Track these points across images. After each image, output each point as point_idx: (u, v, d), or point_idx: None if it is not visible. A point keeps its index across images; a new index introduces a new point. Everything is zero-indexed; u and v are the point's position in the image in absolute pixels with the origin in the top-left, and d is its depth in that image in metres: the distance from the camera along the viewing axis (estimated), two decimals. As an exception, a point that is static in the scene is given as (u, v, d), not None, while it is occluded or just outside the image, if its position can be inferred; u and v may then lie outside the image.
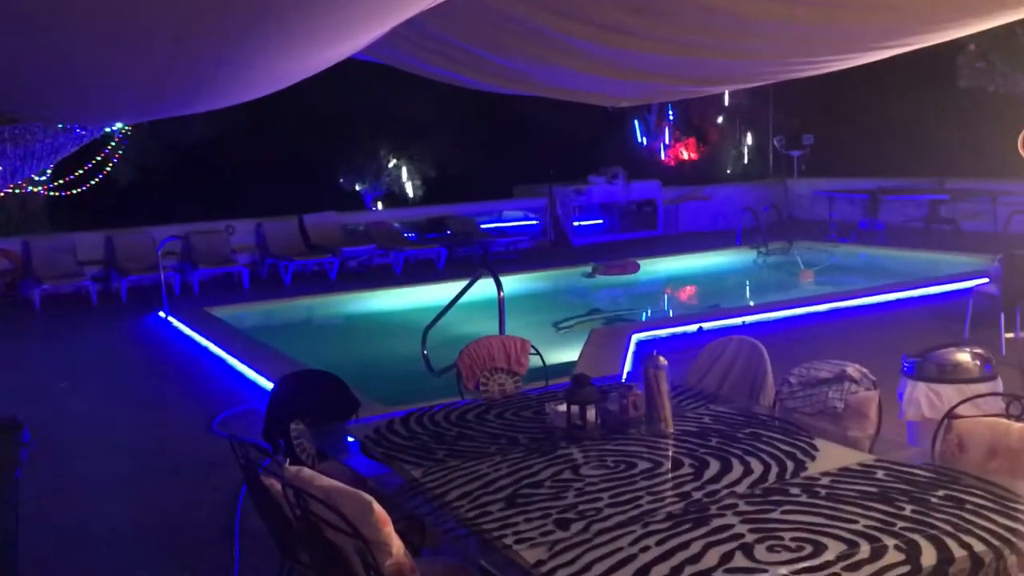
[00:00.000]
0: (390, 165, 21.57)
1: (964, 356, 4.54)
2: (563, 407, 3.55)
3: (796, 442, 3.26)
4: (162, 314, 11.76)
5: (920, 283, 11.30)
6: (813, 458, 3.10)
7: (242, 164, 20.21)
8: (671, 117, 21.49)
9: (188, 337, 10.53)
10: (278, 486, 2.98)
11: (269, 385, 8.02)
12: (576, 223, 18.17)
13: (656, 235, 18.46)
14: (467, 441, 3.46)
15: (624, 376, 7.69)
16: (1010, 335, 8.09)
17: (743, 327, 9.85)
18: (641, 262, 14.64)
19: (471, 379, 4.65)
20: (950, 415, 3.35)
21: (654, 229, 18.53)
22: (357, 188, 21.76)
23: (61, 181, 18.19)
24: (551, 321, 11.65)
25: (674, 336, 9.59)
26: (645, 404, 3.46)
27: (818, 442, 3.26)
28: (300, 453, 3.98)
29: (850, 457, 3.11)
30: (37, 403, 7.93)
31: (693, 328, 9.79)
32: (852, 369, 3.80)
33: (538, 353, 4.98)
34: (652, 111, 21.10)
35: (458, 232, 16.45)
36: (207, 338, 10.08)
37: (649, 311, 12.68)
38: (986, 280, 8.87)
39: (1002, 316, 8.10)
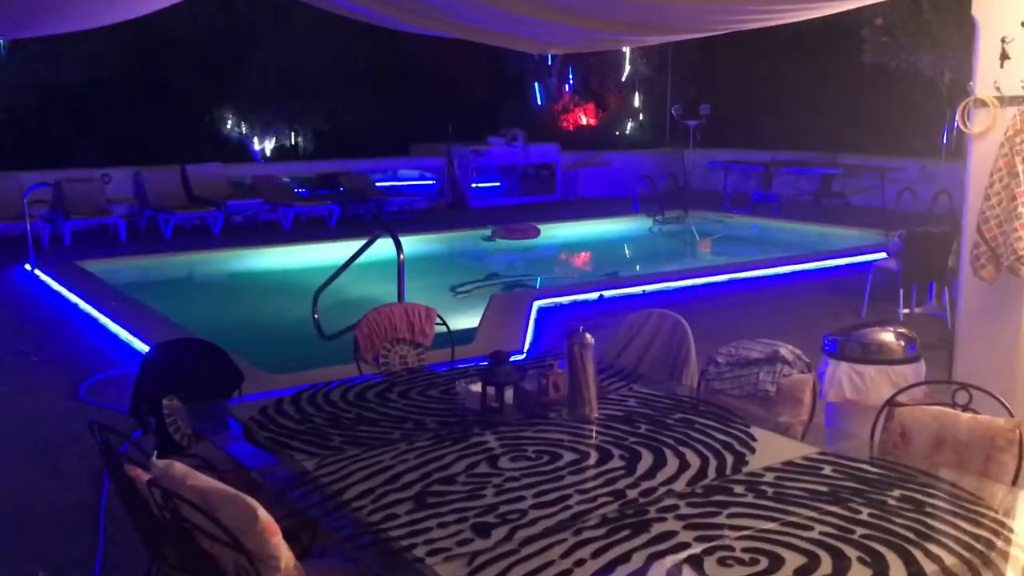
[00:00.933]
0: (279, 115, 20.61)
1: (888, 336, 4.38)
2: (477, 387, 3.19)
3: (731, 431, 2.99)
4: (28, 267, 10.85)
5: (821, 256, 11.39)
6: (753, 450, 2.83)
7: (120, 107, 18.93)
8: (571, 81, 21.22)
9: (57, 293, 9.72)
10: (144, 478, 2.53)
11: (144, 348, 7.41)
12: (474, 185, 17.76)
13: (554, 200, 18.23)
14: (368, 425, 3.06)
15: (526, 345, 7.40)
16: (906, 311, 8.17)
17: (643, 296, 9.70)
18: (540, 227, 14.37)
19: (370, 350, 4.24)
20: (890, 402, 3.14)
21: (552, 194, 18.29)
22: (244, 138, 20.77)
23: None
24: (448, 285, 11.26)
25: (575, 304, 9.34)
26: (568, 385, 3.13)
27: (754, 430, 3.00)
28: (174, 434, 3.51)
29: (792, 450, 2.85)
30: None
31: (594, 296, 9.57)
32: (785, 350, 3.56)
33: (444, 323, 4.60)
34: (553, 74, 20.77)
35: (352, 189, 15.82)
36: (77, 295, 9.31)
37: (548, 277, 12.44)
38: (884, 255, 8.92)
39: (900, 292, 8.15)
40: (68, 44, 17.22)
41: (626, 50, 20.26)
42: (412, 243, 13.63)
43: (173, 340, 3.94)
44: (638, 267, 13.25)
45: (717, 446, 2.85)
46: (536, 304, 8.90)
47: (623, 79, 21.03)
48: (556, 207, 17.40)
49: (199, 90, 19.36)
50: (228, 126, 20.58)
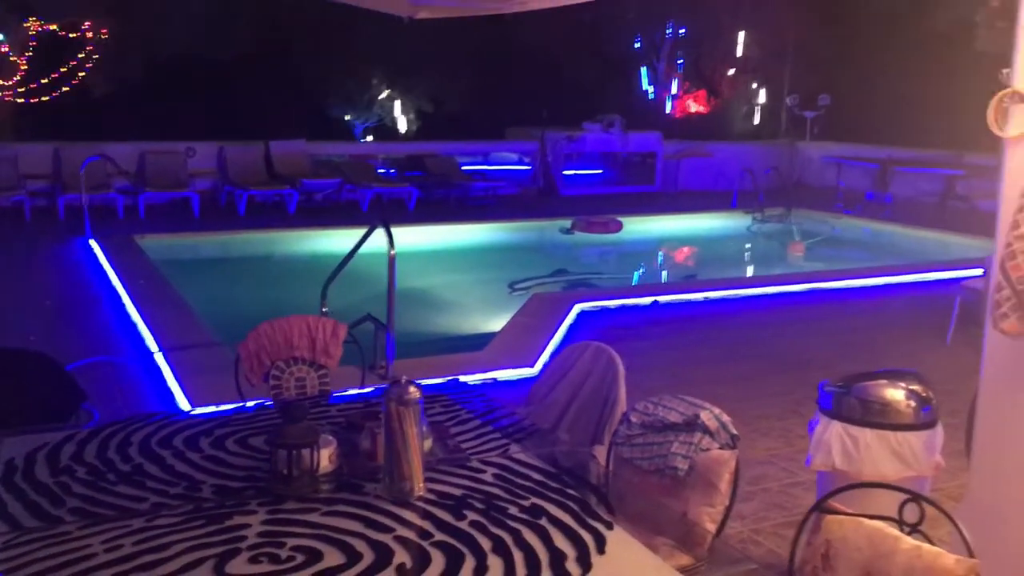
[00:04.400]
0: (382, 97, 20.35)
1: (897, 393, 3.45)
2: (328, 450, 2.51)
3: (582, 532, 2.22)
4: (92, 243, 10.82)
5: (902, 269, 10.10)
6: (588, 566, 2.06)
7: (228, 84, 19.10)
8: (680, 67, 20.06)
9: (100, 267, 9.60)
10: None
11: (149, 335, 7.09)
12: (567, 172, 16.99)
13: (652, 190, 17.25)
14: (129, 486, 2.43)
15: (541, 360, 6.64)
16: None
17: (704, 304, 8.78)
18: (629, 220, 13.49)
19: (256, 369, 3.62)
20: (820, 506, 2.29)
21: (651, 184, 17.32)
22: (347, 118, 20.65)
23: (28, 87, 17.25)
24: (509, 280, 10.59)
25: (624, 309, 8.52)
26: (384, 454, 2.42)
27: (616, 535, 2.22)
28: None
29: (652, 570, 2.07)
30: None
31: (647, 301, 8.71)
32: (708, 415, 2.73)
33: (355, 342, 3.95)
34: (661, 59, 19.68)
35: (435, 172, 15.33)
36: (115, 270, 9.14)
37: (617, 276, 11.61)
38: (980, 272, 7.68)
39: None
40: (175, 20, 17.43)
41: (741, 35, 18.99)
42: (482, 232, 13.14)
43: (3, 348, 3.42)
44: (726, 270, 12.21)
45: (543, 554, 2.09)
46: (578, 308, 8.12)
47: (737, 66, 19.73)
48: (653, 199, 16.44)
49: (304, 67, 19.33)
50: (332, 105, 20.48)
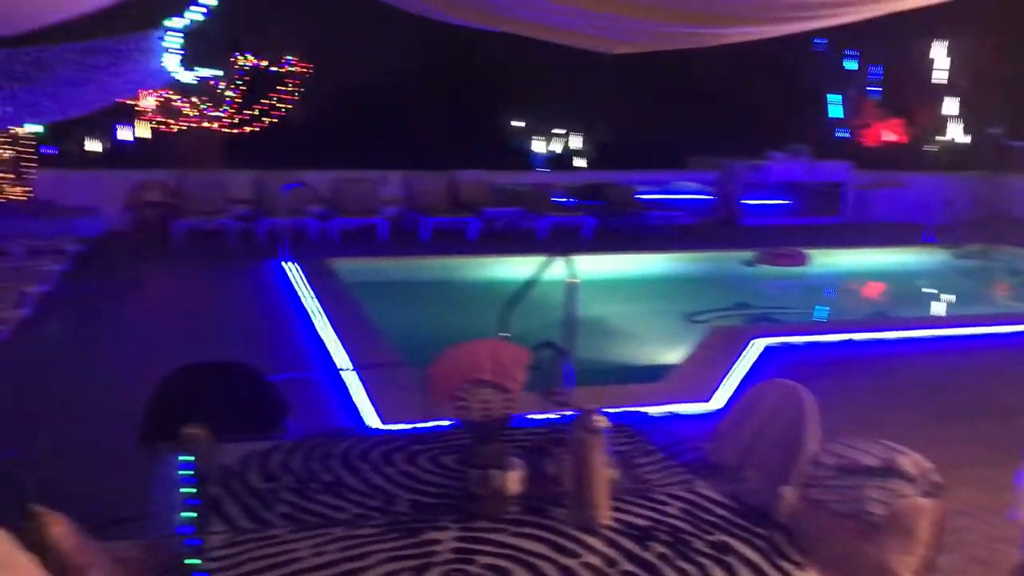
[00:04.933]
0: (562, 127, 20.66)
1: (1121, 448, 3.17)
2: (515, 474, 2.58)
3: (770, 573, 2.17)
4: (288, 264, 11.49)
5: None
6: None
7: (418, 115, 19.96)
8: (874, 95, 19.25)
9: (292, 287, 10.18)
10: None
11: (341, 353, 7.45)
12: (748, 201, 16.62)
13: (838, 222, 16.59)
14: (332, 497, 2.58)
15: (718, 394, 6.50)
16: None
17: (896, 343, 8.35)
18: (815, 253, 13.04)
19: (444, 392, 3.73)
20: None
21: (835, 215, 16.66)
22: (529, 148, 21.09)
23: (236, 119, 18.60)
24: (687, 312, 10.43)
25: (810, 345, 8.21)
26: (571, 480, 2.45)
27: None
28: (196, 463, 3.24)
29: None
30: (78, 341, 7.79)
31: (833, 338, 8.36)
32: (908, 460, 2.60)
33: (538, 368, 4.01)
34: (854, 86, 18.97)
35: (613, 201, 15.37)
36: (312, 290, 9.68)
37: (801, 311, 11.20)
38: None
39: None
40: (369, 55, 18.39)
41: (942, 61, 18.03)
42: (660, 262, 13.03)
43: (209, 361, 3.69)
44: (917, 308, 11.56)
45: (731, 598, 2.06)
46: (759, 343, 7.90)
47: (936, 94, 18.75)
48: (838, 231, 15.81)
49: (489, 99, 19.92)
50: (513, 135, 20.97)
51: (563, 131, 20.84)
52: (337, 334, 7.84)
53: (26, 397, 6.19)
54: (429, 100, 19.59)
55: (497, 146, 20.51)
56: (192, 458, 3.01)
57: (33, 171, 13.50)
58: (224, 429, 3.18)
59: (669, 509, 2.55)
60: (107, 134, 19.34)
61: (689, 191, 16.77)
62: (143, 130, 19.52)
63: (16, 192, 13.15)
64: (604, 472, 2.41)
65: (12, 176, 13.13)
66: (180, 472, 2.90)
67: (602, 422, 2.39)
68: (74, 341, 7.91)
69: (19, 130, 12.21)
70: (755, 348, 7.74)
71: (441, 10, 3.86)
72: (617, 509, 2.49)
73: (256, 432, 3.35)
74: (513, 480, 2.54)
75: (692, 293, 11.64)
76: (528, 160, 20.54)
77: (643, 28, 3.52)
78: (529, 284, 7.37)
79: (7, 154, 13.10)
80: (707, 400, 6.25)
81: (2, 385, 6.37)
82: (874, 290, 13.03)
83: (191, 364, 3.50)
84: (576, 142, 20.89)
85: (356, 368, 6.87)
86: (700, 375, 6.79)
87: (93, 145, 19.31)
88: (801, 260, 12.85)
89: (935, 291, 12.72)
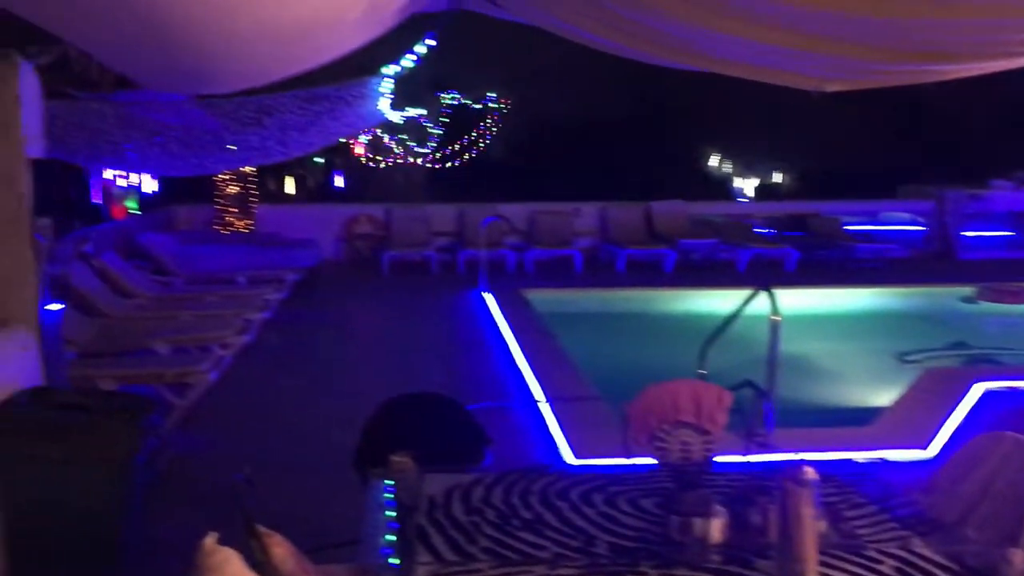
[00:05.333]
0: (762, 156, 20.15)
1: None
2: (716, 521, 2.54)
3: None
4: (486, 295, 11.79)
5: None
6: None
7: (612, 148, 20.08)
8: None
9: (491, 317, 10.44)
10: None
11: (536, 386, 7.55)
12: (968, 233, 15.53)
13: (1072, 256, 15.19)
14: (531, 534, 2.61)
15: (936, 441, 6.08)
16: None
17: None
18: (1045, 289, 12.00)
19: (643, 431, 3.72)
20: None
21: (1069, 249, 15.27)
22: (728, 177, 20.69)
23: (440, 155, 19.39)
24: (897, 351, 9.84)
25: (1039, 391, 7.53)
26: (778, 532, 2.36)
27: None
28: (402, 491, 3.38)
29: None
30: (307, 367, 8.28)
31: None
32: None
33: (739, 411, 3.90)
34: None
35: (817, 233, 14.79)
36: (506, 320, 9.89)
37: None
38: None
39: None
40: (564, 91, 18.70)
41: None
42: (868, 297, 12.38)
43: (416, 392, 3.81)
44: None
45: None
46: (980, 387, 7.33)
47: None
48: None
49: (683, 129, 19.74)
50: (712, 164, 20.66)
51: (764, 160, 20.30)
52: (531, 365, 7.96)
53: (248, 419, 6.67)
54: (625, 131, 19.65)
55: (695, 176, 20.26)
56: (398, 486, 3.14)
57: (256, 205, 14.60)
58: (430, 459, 3.29)
59: (882, 568, 2.41)
60: (323, 171, 20.65)
61: (901, 222, 15.88)
62: (353, 165, 20.69)
63: (241, 225, 14.27)
64: (812, 525, 2.31)
65: (238, 210, 14.27)
66: (387, 500, 3.03)
67: (811, 474, 2.29)
68: (290, 367, 8.45)
69: (245, 168, 13.26)
70: (976, 392, 7.19)
71: (647, 52, 3.87)
72: (825, 565, 2.38)
73: (458, 462, 3.45)
74: (716, 528, 2.49)
75: (904, 331, 10.98)
76: (727, 190, 20.14)
77: (859, 66, 3.38)
78: (729, 319, 7.19)
79: (235, 190, 14.25)
80: (924, 447, 5.86)
81: (227, 407, 6.90)
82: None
83: (401, 395, 3.65)
84: (778, 171, 20.29)
85: (550, 400, 6.94)
86: (915, 419, 6.38)
87: (309, 182, 20.67)
88: (1030, 297, 11.85)
89: None
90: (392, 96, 5.94)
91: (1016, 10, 2.72)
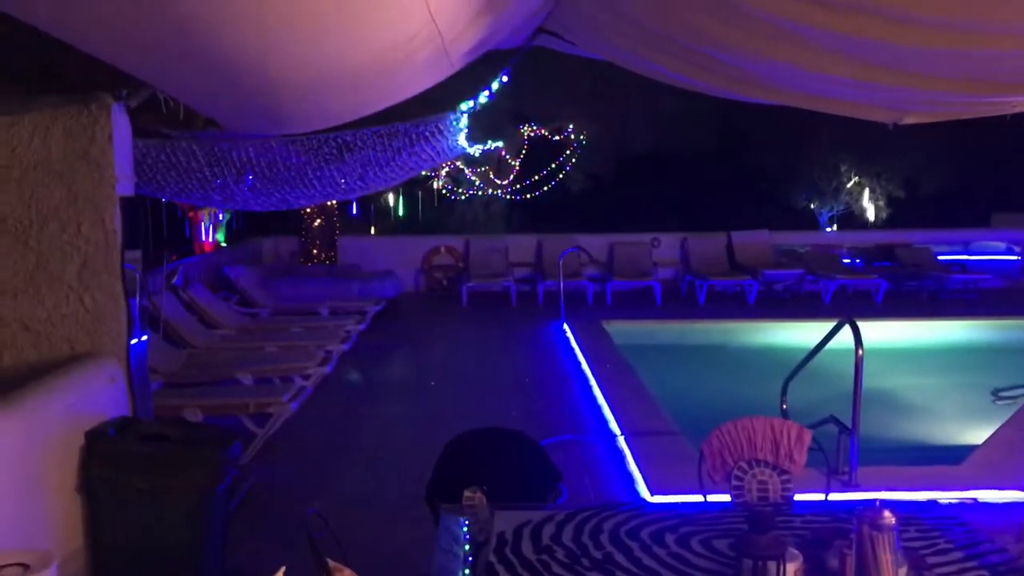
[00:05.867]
0: (850, 184, 19.71)
1: None
2: (794, 565, 2.47)
3: None
4: (565, 326, 11.77)
5: None
6: None
7: (691, 177, 19.93)
8: None
9: (571, 348, 10.40)
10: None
11: (612, 418, 7.49)
12: (1067, 263, 14.91)
13: None
14: (597, 574, 2.57)
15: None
16: None
17: None
18: None
19: (719, 469, 3.63)
20: None
21: None
22: (812, 207, 20.29)
23: (519, 186, 19.50)
24: (992, 387, 9.46)
25: None
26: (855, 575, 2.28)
27: None
28: (473, 527, 3.38)
29: None
30: (385, 399, 8.37)
31: None
32: None
33: (820, 449, 3.78)
34: None
35: (907, 263, 14.37)
36: (583, 352, 9.84)
37: None
38: None
39: None
40: (642, 121, 18.65)
41: None
42: (960, 329, 11.96)
43: (489, 428, 3.79)
44: None
45: None
46: (1080, 425, 6.99)
47: None
48: None
49: (765, 158, 19.46)
50: (792, 193, 20.31)
51: (853, 187, 19.86)
52: (607, 398, 7.89)
53: (326, 450, 6.76)
54: (703, 162, 19.48)
55: (779, 206, 19.94)
56: (470, 522, 3.13)
57: (338, 237, 14.91)
58: (502, 495, 3.28)
59: (970, 620, 2.29)
60: (406, 203, 20.98)
61: (995, 251, 15.33)
62: (434, 196, 20.97)
63: (325, 257, 14.58)
64: (892, 572, 2.22)
65: (321, 242, 14.59)
66: (458, 535, 3.03)
67: (889, 518, 2.21)
68: (369, 398, 8.56)
69: (331, 203, 13.57)
70: (1076, 430, 6.85)
71: (719, 87, 3.84)
72: (908, 615, 2.28)
73: (531, 498, 3.43)
74: (791, 572, 2.40)
75: (997, 365, 10.54)
76: (811, 219, 19.74)
77: (936, 98, 3.28)
78: (812, 353, 7.02)
79: (318, 222, 14.59)
80: (1020, 488, 5.60)
81: (306, 437, 7.01)
82: None
83: (473, 430, 3.66)
84: (867, 199, 19.82)
85: (626, 434, 6.86)
86: (1010, 458, 6.11)
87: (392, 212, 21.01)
88: None
89: None
90: (468, 129, 6.01)
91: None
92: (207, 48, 2.48)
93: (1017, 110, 3.83)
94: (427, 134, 5.59)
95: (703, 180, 19.18)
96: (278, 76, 2.82)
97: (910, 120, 3.87)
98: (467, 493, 3.33)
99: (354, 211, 19.22)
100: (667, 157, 19.90)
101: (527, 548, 2.74)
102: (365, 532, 5.04)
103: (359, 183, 6.36)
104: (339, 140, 5.55)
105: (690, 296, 14.14)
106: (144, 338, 4.87)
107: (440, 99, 5.42)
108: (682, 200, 18.59)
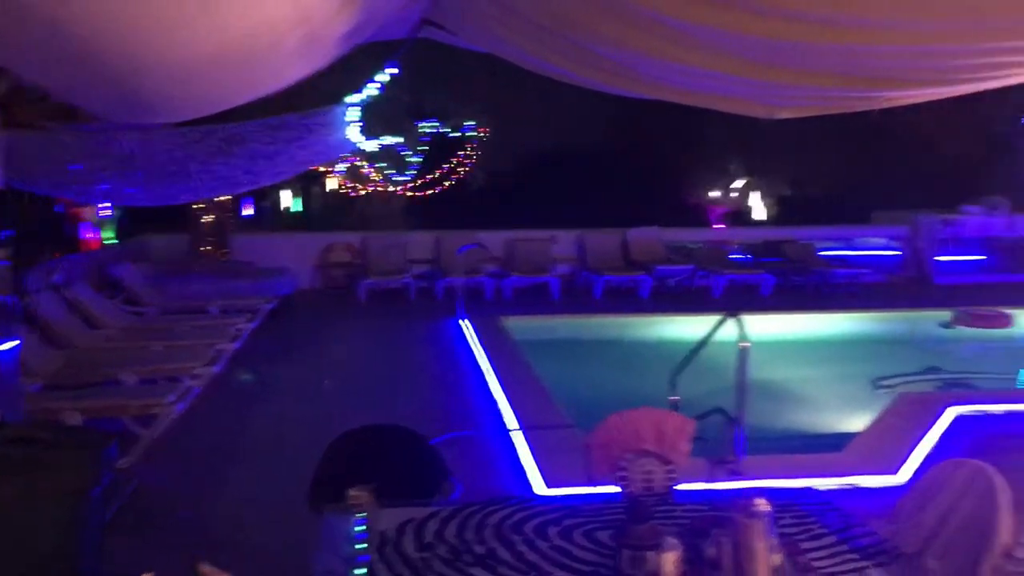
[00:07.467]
0: (739, 183, 20.28)
1: None
2: (670, 555, 2.50)
3: None
4: (463, 322, 11.74)
5: None
6: None
7: (589, 175, 20.15)
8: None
9: (468, 345, 10.38)
10: None
11: (508, 413, 7.50)
12: (941, 258, 15.65)
13: (1044, 280, 15.34)
14: (481, 570, 2.56)
15: (907, 466, 6.06)
16: None
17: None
18: (1018, 313, 12.08)
19: (605, 461, 3.66)
20: None
21: (1043, 272, 15.41)
22: (704, 204, 20.80)
23: (418, 182, 19.40)
24: (872, 376, 9.85)
25: (1011, 415, 7.54)
26: (731, 567, 2.32)
27: None
28: (355, 528, 3.32)
29: None
30: (277, 398, 8.21)
31: (1033, 408, 7.64)
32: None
33: (704, 438, 3.86)
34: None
35: (792, 259, 14.85)
36: (483, 348, 9.84)
37: (1002, 377, 10.32)
38: None
39: None
40: (542, 120, 18.79)
41: None
42: (843, 322, 12.42)
43: (374, 425, 3.76)
44: None
45: None
46: (952, 411, 7.33)
47: None
48: (1045, 290, 14.60)
49: (660, 156, 19.85)
50: (684, 191, 20.77)
51: (740, 186, 20.43)
52: (505, 393, 7.91)
53: (215, 451, 6.57)
54: (600, 160, 19.74)
55: (671, 203, 20.35)
56: (353, 522, 3.07)
57: (231, 234, 14.53)
58: (387, 493, 3.23)
59: (838, 602, 2.37)
60: (302, 197, 20.62)
61: (875, 247, 16.00)
62: (331, 189, 20.66)
63: (216, 254, 14.19)
64: (766, 558, 2.27)
65: (212, 240, 14.19)
66: (350, 535, 2.97)
67: (763, 506, 2.26)
68: (260, 397, 8.36)
69: (221, 198, 13.20)
70: (948, 417, 7.19)
71: (606, 83, 3.87)
72: (780, 599, 2.33)
73: (420, 496, 3.39)
74: (668, 562, 2.44)
75: (877, 356, 11.00)
76: (703, 217, 20.24)
77: (809, 93, 3.38)
78: (699, 346, 7.17)
79: (210, 220, 14.18)
80: (894, 472, 5.84)
81: (194, 439, 6.80)
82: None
83: (357, 428, 3.60)
84: (754, 197, 20.42)
85: (523, 428, 6.88)
86: (886, 445, 6.37)
87: (286, 205, 20.62)
88: (1005, 322, 11.92)
89: None
90: (361, 124, 5.92)
91: (960, 37, 2.73)
92: (63, 31, 2.36)
93: (885, 105, 3.98)
94: (315, 126, 5.48)
95: (601, 177, 19.42)
96: (138, 60, 2.71)
97: (785, 114, 3.99)
98: (353, 492, 3.27)
99: (248, 208, 18.76)
100: (566, 155, 20.08)
101: (409, 546, 2.70)
102: (253, 535, 4.92)
103: (247, 176, 6.20)
104: (225, 132, 5.40)
105: (586, 291, 14.29)
106: (16, 341, 4.63)
107: (329, 91, 5.33)
108: (580, 197, 18.79)
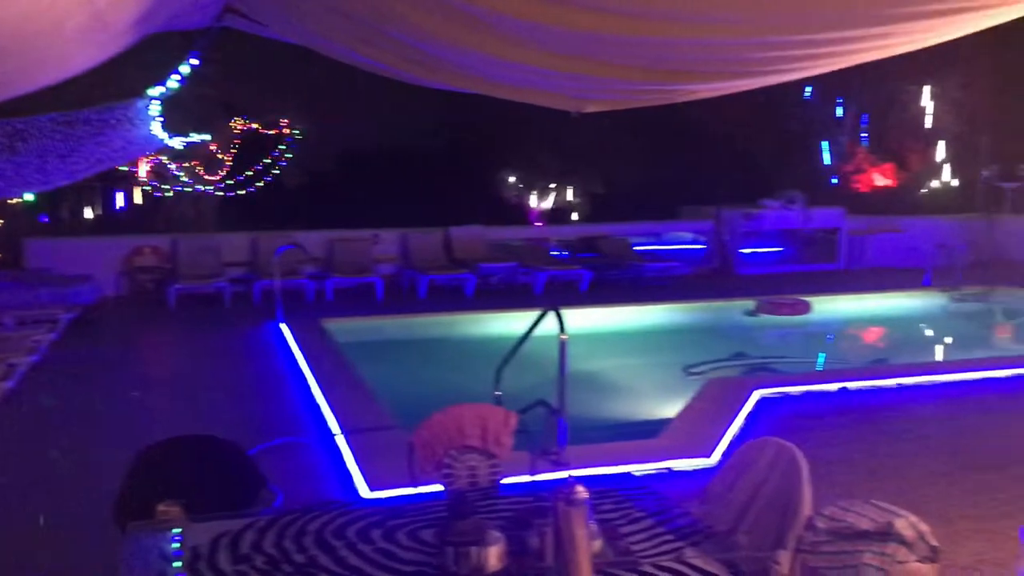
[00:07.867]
0: (555, 182, 20.76)
1: None
2: (494, 549, 2.47)
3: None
4: (283, 326, 11.39)
5: None
6: None
7: (411, 174, 20.06)
8: (865, 140, 19.37)
9: (289, 350, 10.08)
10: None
11: (332, 417, 7.32)
12: (744, 250, 16.60)
13: (836, 269, 16.57)
14: (302, 577, 2.47)
15: (719, 448, 6.37)
16: None
17: (896, 391, 8.22)
18: (815, 300, 12.96)
19: (429, 459, 3.64)
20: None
21: (833, 262, 16.64)
22: (524, 203, 21.14)
23: (230, 182, 18.67)
24: (684, 363, 10.29)
25: (809, 396, 8.08)
26: (553, 555, 2.34)
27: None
28: (164, 544, 3.12)
29: None
30: (65, 414, 7.69)
31: (834, 387, 8.24)
32: (905, 523, 2.50)
33: (526, 431, 3.90)
34: (844, 131, 19.09)
35: (608, 254, 15.35)
36: (302, 352, 9.57)
37: (801, 360, 11.07)
38: None
39: None
40: (362, 118, 18.53)
41: (929, 103, 18.15)
42: (656, 313, 12.95)
43: (181, 436, 3.58)
44: (918, 354, 11.41)
45: None
46: (757, 394, 7.78)
47: (926, 137, 18.85)
48: (837, 277, 15.78)
49: (482, 156, 20.01)
50: (505, 189, 21.04)
51: (557, 184, 20.91)
52: (326, 397, 7.73)
53: (8, 473, 6.06)
54: (422, 159, 19.70)
55: (492, 202, 20.58)
56: (166, 538, 2.90)
57: (26, 240, 13.49)
58: (200, 506, 3.07)
59: (657, 583, 2.43)
60: (101, 200, 19.43)
61: (684, 241, 16.77)
62: (138, 195, 19.59)
63: (8, 262, 13.13)
64: (586, 545, 2.30)
65: (2, 246, 13.12)
66: (150, 552, 2.79)
67: (582, 493, 2.29)
68: (58, 413, 7.78)
69: (12, 200, 12.22)
70: (754, 399, 7.62)
71: (414, 74, 3.83)
72: (602, 584, 2.37)
73: (236, 508, 3.24)
74: (492, 556, 2.43)
75: (688, 344, 11.53)
76: (523, 215, 20.58)
77: (614, 86, 3.47)
78: (521, 341, 7.24)
79: None
80: (708, 455, 6.12)
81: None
82: (874, 336, 12.93)
83: (165, 440, 3.39)
84: (570, 195, 20.95)
85: (345, 433, 6.74)
86: (698, 429, 6.67)
87: (87, 212, 19.38)
88: (804, 309, 12.77)
89: (935, 335, 12.62)
90: (163, 119, 5.60)
91: (750, 30, 2.88)
92: None
93: (687, 98, 4.15)
94: (113, 121, 5.14)
95: (423, 176, 19.38)
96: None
97: (592, 108, 4.08)
98: (161, 507, 3.09)
99: (44, 212, 17.50)
100: (388, 153, 19.90)
101: (224, 560, 2.57)
102: (48, 559, 4.57)
103: (38, 176, 5.73)
104: (8, 127, 4.96)
105: (411, 291, 14.20)
106: None
107: (127, 84, 5.01)
108: (403, 196, 18.67)
